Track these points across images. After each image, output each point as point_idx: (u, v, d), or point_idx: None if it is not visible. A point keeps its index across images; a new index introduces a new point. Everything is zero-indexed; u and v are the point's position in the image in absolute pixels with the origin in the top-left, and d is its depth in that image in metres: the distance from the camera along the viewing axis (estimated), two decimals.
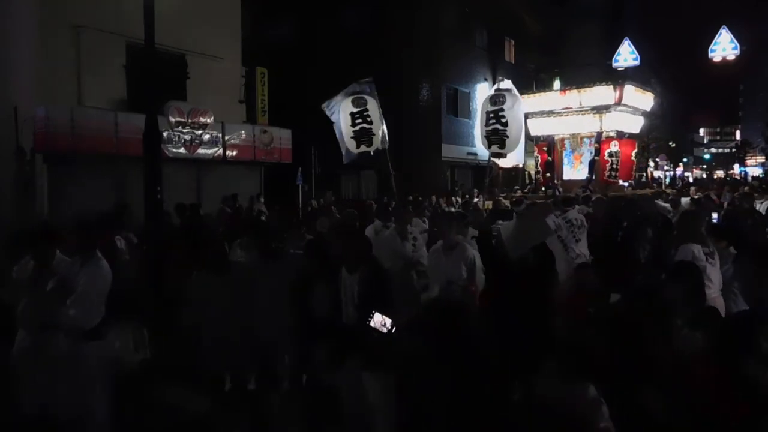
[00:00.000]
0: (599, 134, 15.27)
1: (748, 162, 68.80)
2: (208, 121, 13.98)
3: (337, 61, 21.46)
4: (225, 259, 4.91)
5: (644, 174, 45.64)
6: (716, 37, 17.99)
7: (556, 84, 24.63)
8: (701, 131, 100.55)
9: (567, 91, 16.19)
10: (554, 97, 16.09)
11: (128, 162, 11.87)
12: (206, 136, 14.04)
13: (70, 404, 3.82)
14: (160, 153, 6.65)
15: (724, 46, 17.98)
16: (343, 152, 7.98)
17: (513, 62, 29.52)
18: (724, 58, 18.26)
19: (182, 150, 13.48)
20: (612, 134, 15.23)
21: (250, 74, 16.65)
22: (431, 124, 23.27)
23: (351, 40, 21.42)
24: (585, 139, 15.89)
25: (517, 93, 7.89)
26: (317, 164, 18.71)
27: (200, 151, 13.97)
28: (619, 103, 14.74)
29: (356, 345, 3.41)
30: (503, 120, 7.65)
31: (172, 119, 13.19)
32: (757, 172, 57.89)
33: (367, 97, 7.74)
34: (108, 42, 12.45)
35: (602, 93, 14.99)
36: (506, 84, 8.02)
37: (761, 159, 69.18)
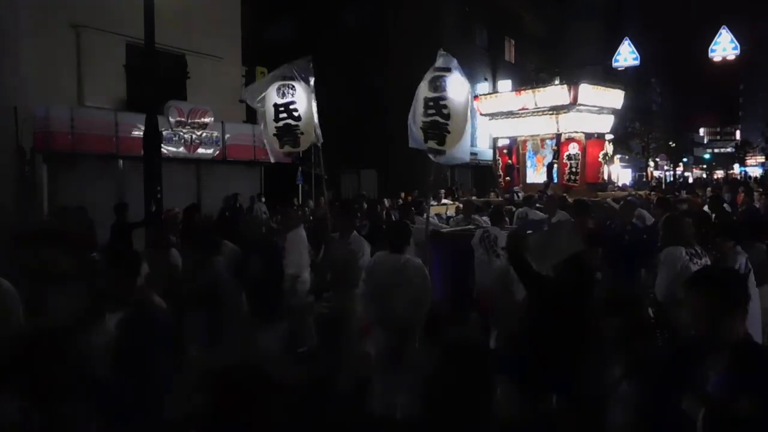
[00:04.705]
0: (558, 136, 14.94)
1: (748, 162, 68.78)
2: (208, 120, 13.98)
3: (337, 61, 21.47)
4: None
5: (644, 174, 45.80)
6: (716, 37, 18.00)
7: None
8: (701, 131, 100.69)
9: (522, 92, 16.01)
10: (510, 98, 15.81)
11: (128, 162, 11.90)
12: (206, 136, 14.04)
13: None
14: (160, 153, 6.58)
15: (724, 46, 17.98)
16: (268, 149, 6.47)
17: (513, 62, 29.54)
18: (724, 58, 18.28)
19: (182, 150, 13.47)
20: (577, 135, 14.82)
21: (250, 74, 16.65)
22: None
23: (351, 40, 21.44)
24: (547, 141, 15.55)
25: (461, 74, 5.90)
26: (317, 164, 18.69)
27: (200, 150, 13.96)
28: (574, 103, 14.37)
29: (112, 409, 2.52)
30: (445, 111, 5.67)
31: (172, 119, 13.18)
32: (757, 172, 57.88)
33: (297, 84, 5.96)
34: (108, 42, 12.45)
35: (556, 93, 14.67)
36: (447, 61, 5.91)
37: (761, 159, 69.19)
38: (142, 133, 8.65)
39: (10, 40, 11.10)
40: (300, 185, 18.44)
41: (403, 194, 15.59)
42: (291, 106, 5.99)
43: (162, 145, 9.63)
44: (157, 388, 2.78)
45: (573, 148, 14.45)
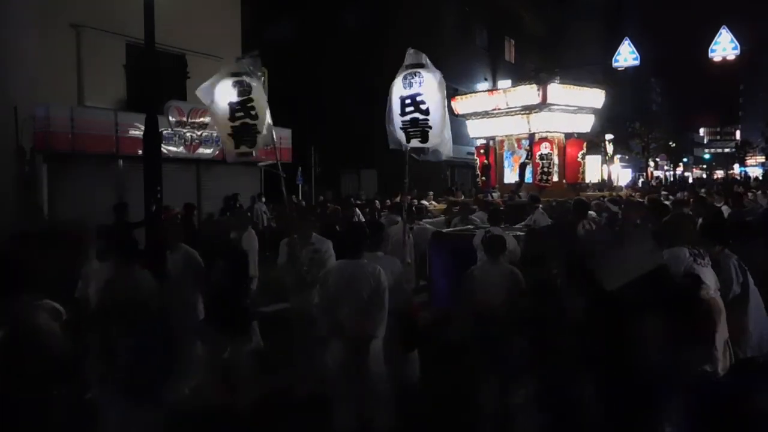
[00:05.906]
0: (531, 135, 14.88)
1: (748, 162, 68.89)
2: (208, 120, 13.96)
3: (337, 61, 21.47)
4: None
5: (645, 174, 45.81)
6: (716, 37, 17.98)
7: None
8: (701, 131, 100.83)
9: (494, 92, 16.07)
10: (484, 98, 15.94)
11: (128, 162, 11.90)
12: (206, 136, 14.03)
13: None
14: (160, 153, 6.51)
15: (724, 46, 17.96)
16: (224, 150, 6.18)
17: (513, 62, 29.57)
18: (724, 58, 18.25)
19: (182, 150, 13.47)
20: (551, 135, 14.74)
21: None
22: None
23: (351, 40, 21.43)
24: (523, 141, 15.53)
25: (433, 69, 5.72)
26: (317, 164, 18.73)
27: (200, 150, 13.96)
28: (543, 103, 14.27)
29: None
30: (423, 107, 5.51)
31: (172, 119, 13.17)
32: (758, 172, 57.91)
33: (251, 81, 5.67)
34: (108, 42, 12.44)
35: (526, 93, 14.62)
36: (418, 57, 5.77)
37: (761, 159, 69.29)
38: (142, 133, 8.63)
39: (10, 40, 11.10)
40: (300, 185, 18.47)
41: (400, 194, 15.58)
42: (248, 104, 5.66)
43: (162, 145, 9.63)
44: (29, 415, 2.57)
45: (545, 148, 14.43)
